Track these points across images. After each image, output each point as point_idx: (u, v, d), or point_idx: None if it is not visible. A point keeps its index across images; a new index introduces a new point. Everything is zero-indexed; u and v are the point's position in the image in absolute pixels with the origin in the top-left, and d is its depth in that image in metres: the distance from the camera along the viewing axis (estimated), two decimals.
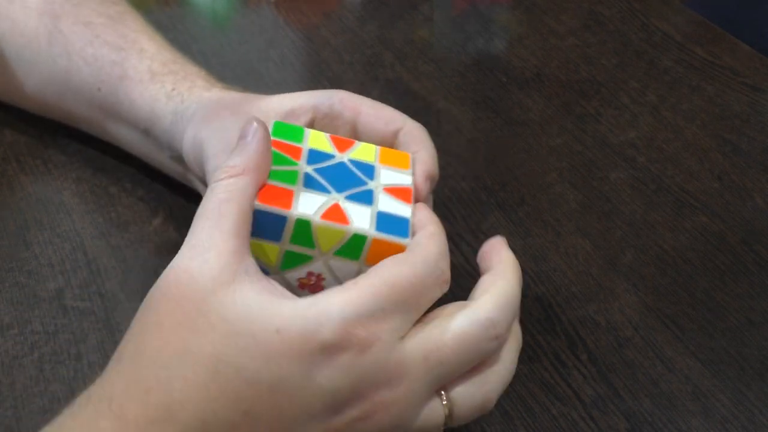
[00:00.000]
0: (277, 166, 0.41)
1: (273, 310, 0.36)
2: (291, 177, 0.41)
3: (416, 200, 0.43)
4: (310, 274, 0.41)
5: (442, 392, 0.38)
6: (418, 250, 0.39)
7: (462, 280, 0.54)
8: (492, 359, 0.39)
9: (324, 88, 0.70)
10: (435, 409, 0.38)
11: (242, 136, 0.40)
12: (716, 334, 0.52)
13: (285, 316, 0.35)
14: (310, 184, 0.41)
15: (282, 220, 0.39)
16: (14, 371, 0.48)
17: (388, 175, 0.43)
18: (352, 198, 0.41)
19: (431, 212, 0.42)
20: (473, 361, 0.38)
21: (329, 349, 0.35)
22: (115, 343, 0.38)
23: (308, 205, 0.40)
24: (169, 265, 0.37)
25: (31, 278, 0.53)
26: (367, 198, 0.42)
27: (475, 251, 0.56)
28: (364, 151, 0.44)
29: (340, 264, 0.41)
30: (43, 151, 0.62)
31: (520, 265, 0.56)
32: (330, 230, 0.39)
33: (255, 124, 0.40)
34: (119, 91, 0.55)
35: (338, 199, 0.41)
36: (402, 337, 0.37)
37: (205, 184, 0.50)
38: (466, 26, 0.79)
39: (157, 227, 0.57)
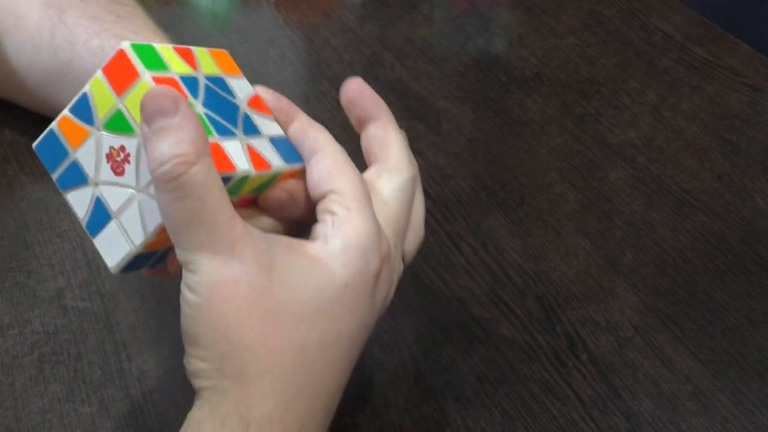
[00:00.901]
0: None
1: (322, 269, 0.38)
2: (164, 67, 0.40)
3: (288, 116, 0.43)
4: (123, 148, 0.39)
5: None
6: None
7: (462, 280, 0.55)
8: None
9: (324, 88, 0.70)
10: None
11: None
12: (716, 334, 0.52)
13: (339, 268, 0.38)
14: (213, 124, 0.40)
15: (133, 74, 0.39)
16: (14, 371, 0.48)
17: (236, 86, 0.44)
18: (249, 132, 0.42)
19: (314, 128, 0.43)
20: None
21: (378, 274, 0.39)
22: (115, 343, 0.38)
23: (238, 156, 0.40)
24: (202, 281, 0.36)
25: (31, 278, 0.53)
26: (252, 127, 0.42)
27: (476, 251, 0.57)
28: (204, 61, 0.43)
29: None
30: None
31: (520, 265, 0.56)
32: (261, 177, 0.41)
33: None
34: None
35: (244, 139, 0.41)
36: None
37: None
38: (466, 26, 0.79)
39: None
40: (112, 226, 0.39)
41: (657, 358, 0.50)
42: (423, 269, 0.55)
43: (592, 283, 0.55)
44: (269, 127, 0.43)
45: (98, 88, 0.39)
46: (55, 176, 0.41)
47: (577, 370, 0.50)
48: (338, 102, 0.45)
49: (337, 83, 0.71)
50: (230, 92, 0.43)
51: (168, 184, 0.35)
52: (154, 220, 0.38)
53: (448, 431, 0.46)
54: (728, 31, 0.79)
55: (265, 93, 0.44)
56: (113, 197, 0.39)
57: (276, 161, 0.41)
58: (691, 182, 0.63)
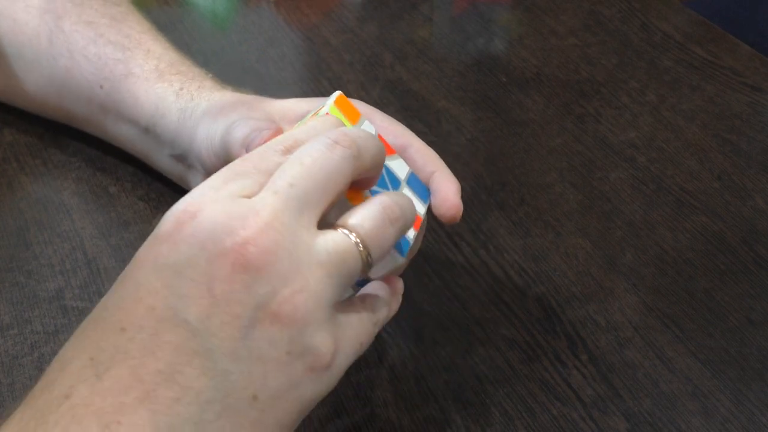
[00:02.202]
0: None
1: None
2: None
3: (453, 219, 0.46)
4: None
5: (341, 229, 0.37)
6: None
7: (462, 280, 0.55)
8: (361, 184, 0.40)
9: (324, 88, 0.70)
10: (335, 238, 0.36)
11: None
12: (716, 334, 0.52)
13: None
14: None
15: None
16: (14, 371, 0.48)
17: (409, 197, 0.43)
18: (395, 185, 0.44)
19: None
20: (323, 171, 0.36)
21: (166, 237, 0.35)
22: None
23: None
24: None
25: (31, 278, 0.53)
26: (394, 178, 0.44)
27: (475, 251, 0.57)
28: (398, 164, 0.45)
29: None
30: (43, 151, 0.62)
31: (520, 265, 0.56)
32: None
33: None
34: (122, 89, 0.55)
35: (362, 194, 0.42)
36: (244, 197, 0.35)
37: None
38: (466, 26, 0.79)
39: None
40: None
41: (657, 358, 0.50)
42: (423, 269, 0.55)
43: (592, 283, 0.55)
44: (400, 167, 0.44)
45: None
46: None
47: (577, 370, 0.50)
48: None
49: (337, 83, 0.71)
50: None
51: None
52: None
53: (448, 431, 0.46)
54: (728, 31, 0.79)
55: (381, 122, 0.47)
56: None
57: (420, 207, 0.44)
58: (691, 182, 0.63)
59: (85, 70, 0.57)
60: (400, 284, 0.42)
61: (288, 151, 0.38)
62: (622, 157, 0.65)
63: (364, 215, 0.37)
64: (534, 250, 0.57)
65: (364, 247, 0.37)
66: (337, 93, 0.44)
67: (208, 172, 0.52)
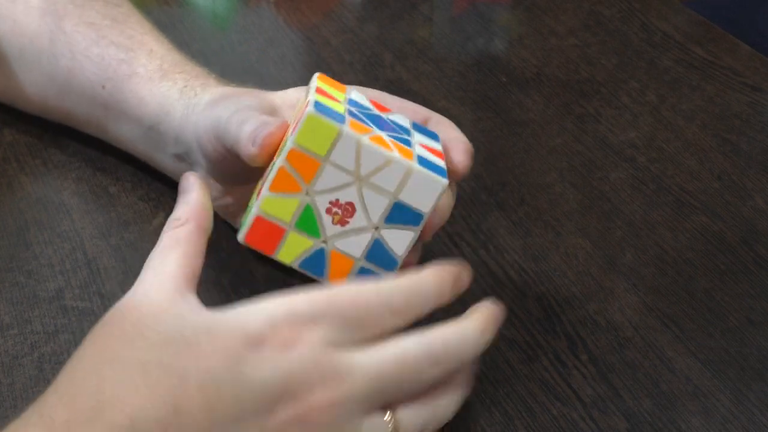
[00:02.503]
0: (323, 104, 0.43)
1: (207, 315, 0.37)
2: (338, 113, 0.43)
3: (456, 175, 0.46)
4: (339, 201, 0.42)
5: (389, 412, 0.38)
6: (389, 279, 0.40)
7: None
8: (444, 386, 0.40)
9: None
10: (378, 425, 0.38)
11: (182, 191, 0.43)
12: (716, 334, 0.52)
13: (217, 318, 0.37)
14: (355, 118, 0.43)
15: (330, 131, 0.41)
16: (14, 371, 0.48)
17: (422, 138, 0.46)
18: (394, 138, 0.43)
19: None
20: (414, 383, 0.39)
21: (253, 341, 0.36)
22: None
23: (356, 129, 0.42)
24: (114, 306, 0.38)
25: (31, 278, 0.53)
26: (406, 143, 0.44)
27: (476, 251, 0.57)
28: (399, 117, 0.47)
29: (373, 194, 0.42)
30: (43, 151, 0.62)
31: (520, 265, 0.56)
32: (374, 153, 0.41)
33: (192, 178, 0.43)
34: (126, 89, 0.55)
35: (382, 134, 0.43)
36: (337, 347, 0.37)
37: (213, 176, 0.51)
38: (466, 26, 0.79)
39: (157, 227, 0.57)
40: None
41: (657, 358, 0.50)
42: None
43: (592, 283, 0.55)
44: (428, 156, 0.44)
45: (296, 158, 0.42)
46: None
47: (577, 370, 0.50)
48: None
49: None
50: (405, 132, 0.45)
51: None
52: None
53: (448, 431, 0.46)
54: (728, 31, 0.79)
55: (394, 102, 0.49)
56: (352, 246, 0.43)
57: (402, 156, 0.44)
58: (691, 182, 0.63)
59: (87, 71, 0.57)
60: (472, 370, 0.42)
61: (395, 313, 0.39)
62: (622, 157, 0.65)
63: (416, 419, 0.39)
64: (534, 250, 0.57)
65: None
66: (317, 74, 0.46)
67: (210, 170, 0.52)
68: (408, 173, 0.42)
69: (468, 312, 0.41)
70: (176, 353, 0.36)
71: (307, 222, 0.43)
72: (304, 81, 0.72)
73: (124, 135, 0.57)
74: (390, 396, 0.38)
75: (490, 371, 0.49)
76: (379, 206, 0.42)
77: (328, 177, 0.42)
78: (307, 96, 0.44)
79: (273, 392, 0.35)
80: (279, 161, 0.42)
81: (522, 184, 0.62)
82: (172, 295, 0.38)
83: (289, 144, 0.41)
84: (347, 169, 0.42)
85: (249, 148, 0.44)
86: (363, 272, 0.44)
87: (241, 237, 0.43)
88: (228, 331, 0.36)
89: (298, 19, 0.79)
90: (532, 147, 0.65)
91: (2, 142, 0.62)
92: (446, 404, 0.40)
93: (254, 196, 0.45)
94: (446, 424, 0.42)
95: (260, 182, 0.45)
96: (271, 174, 0.42)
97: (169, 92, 0.53)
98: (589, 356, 0.50)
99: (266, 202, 0.42)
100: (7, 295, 0.52)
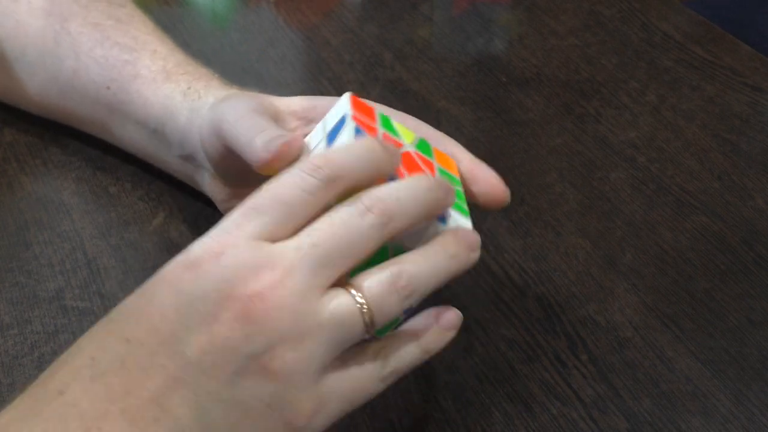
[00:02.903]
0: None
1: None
2: None
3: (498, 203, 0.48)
4: None
5: (351, 290, 0.37)
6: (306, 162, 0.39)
7: (462, 280, 0.54)
8: (416, 251, 0.40)
9: (324, 88, 0.70)
10: (340, 299, 0.37)
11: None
12: (716, 334, 0.52)
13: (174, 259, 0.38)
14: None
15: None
16: (14, 371, 0.48)
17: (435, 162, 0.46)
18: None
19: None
20: (357, 239, 0.37)
21: (191, 264, 0.36)
22: None
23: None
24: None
25: (31, 278, 0.53)
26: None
27: None
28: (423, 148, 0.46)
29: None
30: (43, 151, 0.62)
31: (520, 265, 0.56)
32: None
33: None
34: (130, 90, 0.55)
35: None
36: (267, 240, 0.37)
37: (216, 173, 0.51)
38: (466, 26, 0.79)
39: (157, 227, 0.57)
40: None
41: (657, 358, 0.50)
42: None
43: (592, 283, 0.55)
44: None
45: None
46: None
47: (577, 370, 0.50)
48: None
49: (337, 83, 0.71)
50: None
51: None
52: None
53: (448, 431, 0.46)
54: (728, 31, 0.79)
55: (396, 118, 0.48)
56: None
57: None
58: (691, 182, 0.63)
59: (92, 72, 0.57)
60: (450, 316, 0.41)
61: (315, 170, 0.38)
62: (622, 157, 0.65)
63: (378, 279, 0.37)
64: (534, 250, 0.57)
65: (368, 309, 0.37)
66: (348, 95, 0.44)
67: (216, 172, 0.52)
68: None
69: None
70: (135, 298, 0.37)
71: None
72: (304, 81, 0.72)
73: (130, 136, 0.57)
74: (338, 262, 0.37)
75: (490, 371, 0.49)
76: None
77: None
78: (338, 115, 0.44)
79: (213, 300, 0.35)
80: None
81: (522, 184, 0.62)
82: None
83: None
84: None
85: (261, 154, 0.43)
86: None
87: None
88: (173, 263, 0.37)
89: (298, 19, 0.79)
90: (532, 147, 0.65)
91: (2, 142, 0.62)
92: (418, 264, 0.39)
93: None
94: (446, 424, 0.42)
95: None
96: None
97: (172, 94, 0.53)
98: (589, 356, 0.50)
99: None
100: (7, 295, 0.52)
